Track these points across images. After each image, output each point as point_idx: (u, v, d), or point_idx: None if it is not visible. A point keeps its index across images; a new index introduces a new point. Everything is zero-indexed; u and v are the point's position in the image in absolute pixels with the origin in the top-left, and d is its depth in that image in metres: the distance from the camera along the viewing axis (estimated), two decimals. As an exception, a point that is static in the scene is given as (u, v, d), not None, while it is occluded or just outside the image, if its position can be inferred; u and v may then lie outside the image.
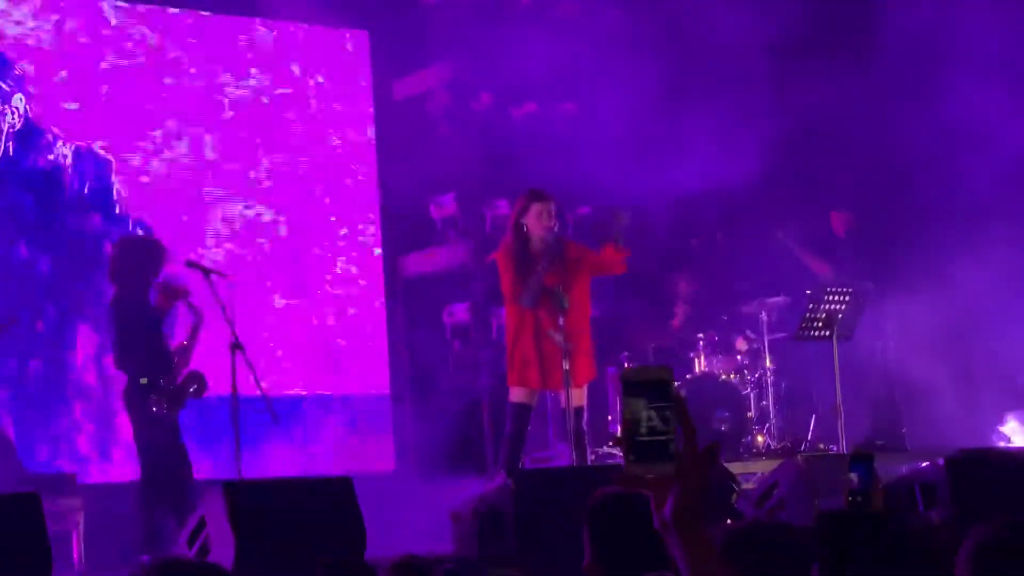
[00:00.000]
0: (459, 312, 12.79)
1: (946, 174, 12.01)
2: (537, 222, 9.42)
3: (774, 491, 8.49)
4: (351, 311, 12.57)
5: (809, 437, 12.01)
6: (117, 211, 11.52)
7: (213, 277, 9.37)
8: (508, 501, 7.26)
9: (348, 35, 12.85)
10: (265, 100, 12.40)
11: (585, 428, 9.50)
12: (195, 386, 9.22)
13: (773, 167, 11.63)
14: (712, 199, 12.22)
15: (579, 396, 9.39)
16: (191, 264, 9.73)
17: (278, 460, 11.58)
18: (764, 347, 12.09)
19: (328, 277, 12.50)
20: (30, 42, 11.35)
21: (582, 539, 3.98)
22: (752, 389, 12.06)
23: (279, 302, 12.23)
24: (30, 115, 11.22)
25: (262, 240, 12.25)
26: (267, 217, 12.29)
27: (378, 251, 12.83)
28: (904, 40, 11.90)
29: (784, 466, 8.83)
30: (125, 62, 11.76)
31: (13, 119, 11.10)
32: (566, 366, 9.15)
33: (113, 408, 10.87)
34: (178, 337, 9.42)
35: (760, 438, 11.90)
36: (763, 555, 3.75)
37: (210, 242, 11.93)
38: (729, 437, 11.50)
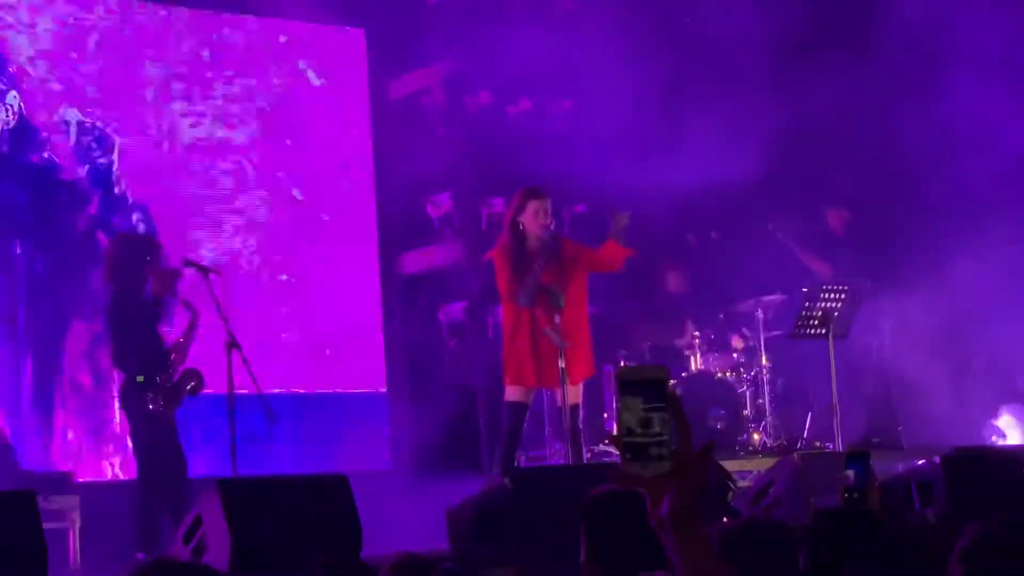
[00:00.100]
0: (455, 310, 12.79)
1: (945, 173, 12.02)
2: (533, 220, 9.41)
3: (770, 489, 8.49)
4: (347, 309, 12.56)
5: (805, 435, 12.02)
6: (113, 208, 11.51)
7: (210, 275, 9.37)
8: (504, 499, 7.26)
9: (345, 33, 12.84)
10: (261, 97, 12.38)
11: (581, 426, 9.50)
12: (191, 384, 9.21)
13: (771, 165, 11.63)
14: (709, 197, 12.22)
15: (575, 394, 9.39)
16: (188, 263, 9.72)
17: (274, 458, 11.58)
18: (760, 345, 12.10)
19: (324, 275, 12.49)
20: (24, 40, 11.33)
21: (578, 537, 3.99)
22: (748, 387, 12.07)
23: (275, 300, 12.22)
24: (24, 112, 11.20)
25: (258, 238, 12.23)
26: (263, 215, 12.28)
27: (374, 249, 12.81)
28: (903, 38, 11.91)
29: (780, 464, 8.83)
30: (120, 59, 11.74)
31: (8, 117, 11.09)
32: (562, 364, 9.14)
33: (109, 406, 10.86)
34: (174, 335, 9.41)
35: (756, 436, 11.91)
36: (759, 553, 3.75)
37: (206, 240, 11.91)
38: (725, 435, 11.51)
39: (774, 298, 12.22)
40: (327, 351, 12.42)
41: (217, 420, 9.83)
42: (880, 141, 12.50)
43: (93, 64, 11.61)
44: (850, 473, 4.73)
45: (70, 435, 11.08)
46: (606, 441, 11.36)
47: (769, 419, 11.97)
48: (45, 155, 11.25)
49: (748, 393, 12.05)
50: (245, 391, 9.22)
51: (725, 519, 7.37)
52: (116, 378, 9.34)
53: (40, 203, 11.15)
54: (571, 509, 4.33)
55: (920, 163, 12.21)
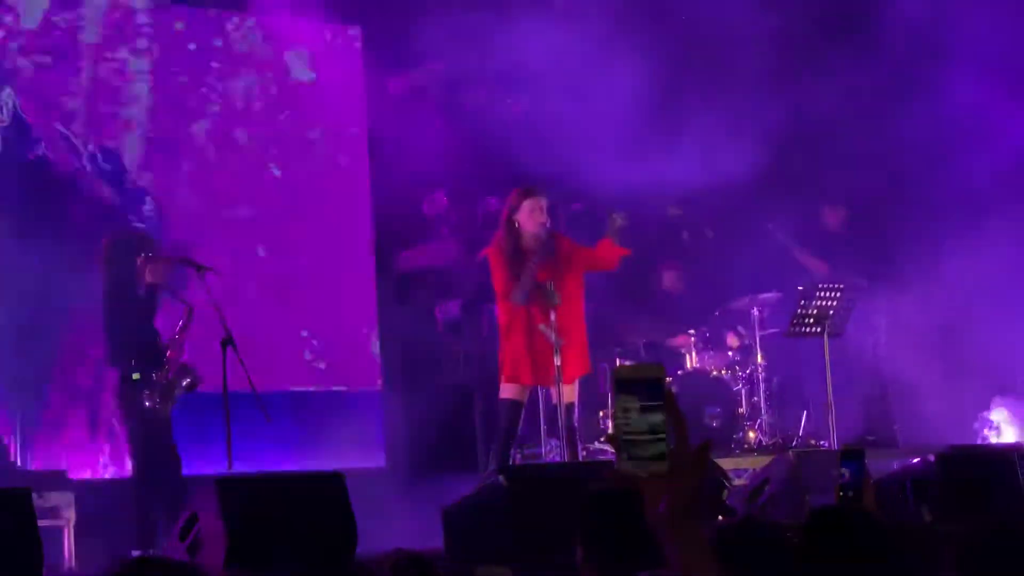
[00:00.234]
0: (451, 308, 12.78)
1: (942, 171, 12.04)
2: (529, 218, 9.41)
3: (765, 487, 8.50)
4: (343, 307, 12.55)
5: (800, 433, 12.03)
6: (108, 205, 11.49)
7: (205, 273, 9.36)
8: (500, 497, 7.26)
9: (341, 30, 12.83)
10: (256, 94, 12.37)
11: (576, 424, 9.51)
12: (187, 381, 9.21)
13: (768, 163, 11.62)
14: (705, 195, 12.22)
15: (570, 392, 9.39)
16: (183, 260, 9.72)
17: (269, 456, 11.57)
18: (755, 343, 12.10)
19: (320, 273, 12.48)
20: (17, 41, 11.32)
21: (574, 536, 3.99)
22: (743, 385, 12.07)
23: (270, 297, 12.21)
24: (19, 109, 11.19)
25: (254, 234, 12.22)
26: (258, 212, 12.26)
27: (370, 247, 12.80)
28: (902, 36, 11.92)
29: (775, 462, 8.84)
30: (112, 56, 11.72)
31: (2, 115, 11.08)
32: (557, 362, 9.15)
33: (105, 403, 10.85)
34: (170, 332, 9.40)
35: (751, 434, 11.91)
36: (754, 552, 3.76)
37: (204, 238, 11.90)
38: (720, 433, 11.51)
39: (770, 296, 12.23)
40: (323, 349, 12.41)
41: (212, 417, 9.82)
42: (878, 140, 12.50)
43: (90, 59, 11.59)
44: (845, 471, 4.73)
45: (65, 432, 11.06)
46: (601, 440, 11.37)
47: (764, 417, 11.98)
48: (40, 152, 11.24)
49: (743, 391, 12.06)
50: (240, 388, 9.22)
51: (720, 517, 7.38)
52: (111, 375, 9.32)
53: (35, 198, 11.13)
54: (567, 507, 4.33)
55: (917, 162, 12.23)
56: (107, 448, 11.04)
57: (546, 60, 11.54)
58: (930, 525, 7.90)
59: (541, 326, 9.23)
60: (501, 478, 7.40)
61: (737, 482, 8.98)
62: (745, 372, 12.12)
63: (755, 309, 12.16)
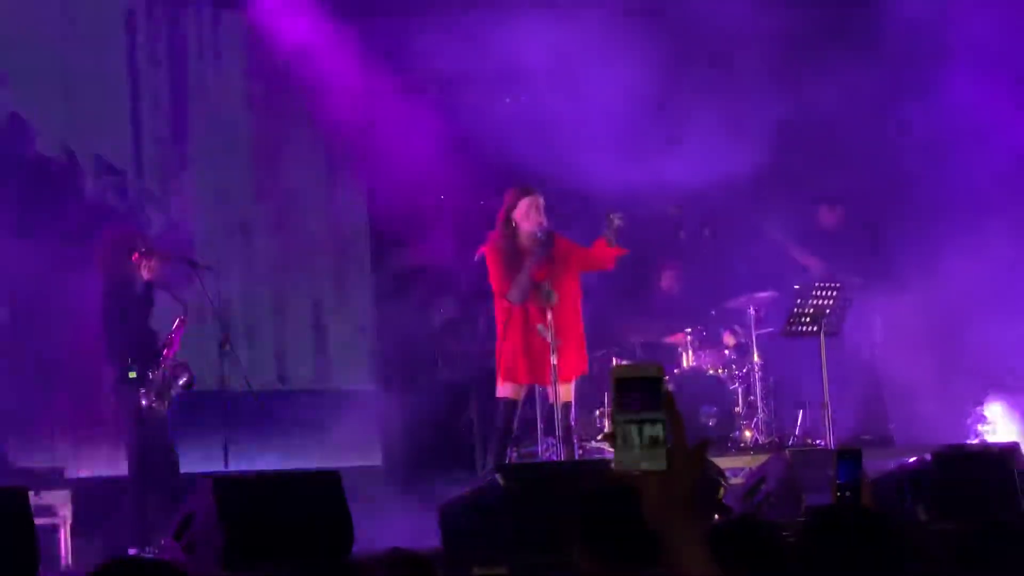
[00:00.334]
0: (448, 307, 12.79)
1: (938, 171, 12.04)
2: (526, 217, 9.42)
3: (761, 486, 8.51)
4: (339, 305, 12.55)
5: (796, 432, 12.04)
6: (103, 205, 11.49)
7: (202, 270, 9.36)
8: (496, 496, 7.26)
9: (340, 27, 12.81)
10: (252, 91, 12.36)
11: (573, 423, 9.51)
12: (183, 379, 9.20)
13: (766, 162, 11.62)
14: (702, 194, 12.23)
15: (567, 391, 9.40)
16: (180, 258, 9.71)
17: (266, 454, 11.57)
18: (752, 342, 12.11)
19: (316, 271, 12.47)
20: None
21: (572, 534, 3.99)
22: (740, 384, 12.08)
23: (266, 296, 12.21)
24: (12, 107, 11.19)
25: (250, 233, 12.22)
26: (255, 210, 12.26)
27: (367, 245, 12.80)
28: (901, 36, 11.91)
29: (771, 461, 8.85)
30: (101, 52, 11.71)
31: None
32: (554, 361, 9.15)
33: (101, 401, 10.84)
34: (166, 330, 9.40)
35: (747, 433, 11.92)
36: (751, 550, 3.76)
37: (200, 236, 11.89)
38: (716, 432, 11.52)
39: (766, 295, 12.23)
40: (319, 347, 12.41)
41: (209, 415, 9.82)
42: (876, 139, 12.51)
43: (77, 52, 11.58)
44: (841, 471, 4.74)
45: (62, 430, 11.05)
46: (598, 438, 11.37)
47: (760, 416, 11.98)
48: (36, 150, 11.23)
49: (740, 390, 12.06)
50: (237, 387, 9.22)
51: (716, 516, 7.39)
52: (108, 373, 9.32)
53: (34, 196, 11.12)
54: (564, 506, 4.33)
55: (915, 161, 12.23)
56: (104, 446, 11.03)
57: (544, 58, 11.53)
58: (926, 524, 7.92)
59: (539, 326, 9.24)
60: (498, 477, 7.40)
61: (733, 481, 8.99)
62: (741, 371, 12.12)
63: (752, 308, 12.16)
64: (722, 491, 8.10)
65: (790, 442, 11.82)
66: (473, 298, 12.21)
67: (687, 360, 12.14)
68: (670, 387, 2.23)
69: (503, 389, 9.47)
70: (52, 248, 11.00)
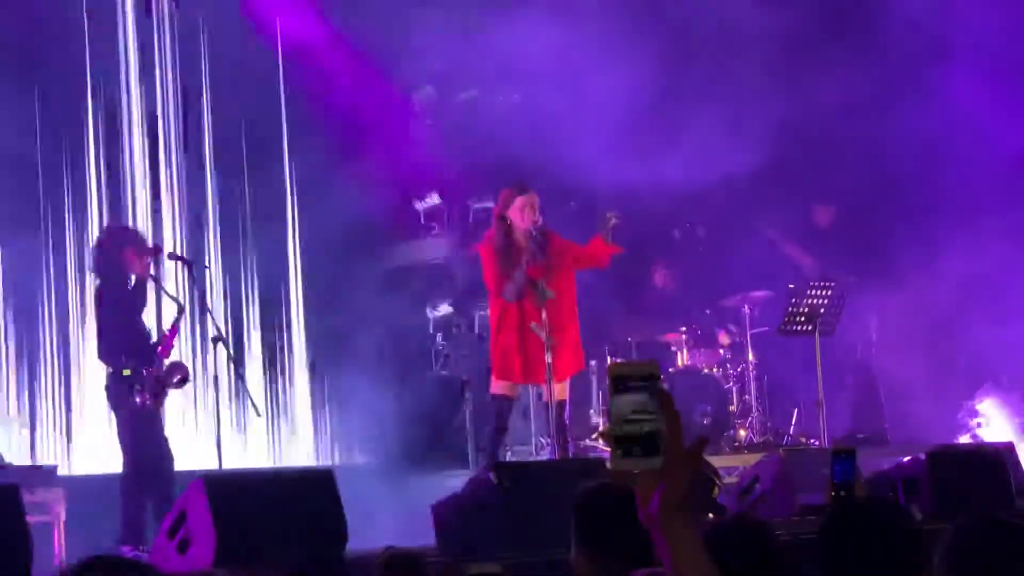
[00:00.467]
0: (442, 305, 12.78)
1: (936, 170, 12.05)
2: (521, 215, 9.40)
3: (756, 485, 8.50)
4: (336, 303, 12.52)
5: (791, 431, 12.05)
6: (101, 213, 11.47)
7: (195, 269, 9.35)
8: (490, 494, 7.25)
9: (334, 24, 12.79)
10: (247, 87, 12.34)
11: (567, 421, 9.50)
12: (178, 377, 9.18)
13: (762, 161, 11.62)
14: (699, 193, 12.23)
15: (561, 390, 9.39)
16: (171, 255, 9.69)
17: (259, 452, 11.57)
18: (747, 341, 12.11)
19: (311, 268, 12.46)
20: None
21: (566, 532, 3.98)
22: (734, 383, 12.08)
23: (262, 292, 12.20)
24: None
25: (246, 229, 12.20)
26: (250, 207, 12.24)
27: (363, 243, 12.78)
28: (900, 35, 11.92)
29: (766, 460, 8.84)
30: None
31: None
32: (548, 359, 9.14)
33: (95, 399, 10.83)
34: (160, 328, 9.38)
35: (742, 432, 11.92)
36: (745, 549, 3.75)
37: (197, 233, 11.88)
38: (711, 431, 11.51)
39: (761, 294, 12.24)
40: (315, 344, 12.40)
41: (203, 413, 9.82)
42: (872, 139, 12.51)
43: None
44: (836, 470, 4.74)
45: (56, 428, 11.04)
46: (592, 437, 11.37)
47: (755, 415, 11.99)
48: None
49: (734, 389, 12.06)
50: (230, 385, 9.21)
51: (711, 515, 7.38)
52: (103, 371, 9.30)
53: (22, 194, 11.09)
54: (557, 504, 4.32)
55: (912, 161, 12.23)
56: (98, 444, 11.02)
57: (541, 56, 11.52)
58: (921, 524, 7.90)
59: (532, 325, 9.22)
60: (492, 475, 7.38)
61: (727, 480, 8.98)
62: (736, 370, 12.13)
63: (746, 307, 12.17)
64: (716, 490, 8.09)
65: (784, 441, 11.83)
66: (468, 295, 12.21)
67: (682, 359, 12.14)
68: (664, 386, 2.22)
69: (497, 386, 9.46)
70: (44, 245, 11.00)
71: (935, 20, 11.64)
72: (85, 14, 11.44)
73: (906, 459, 8.64)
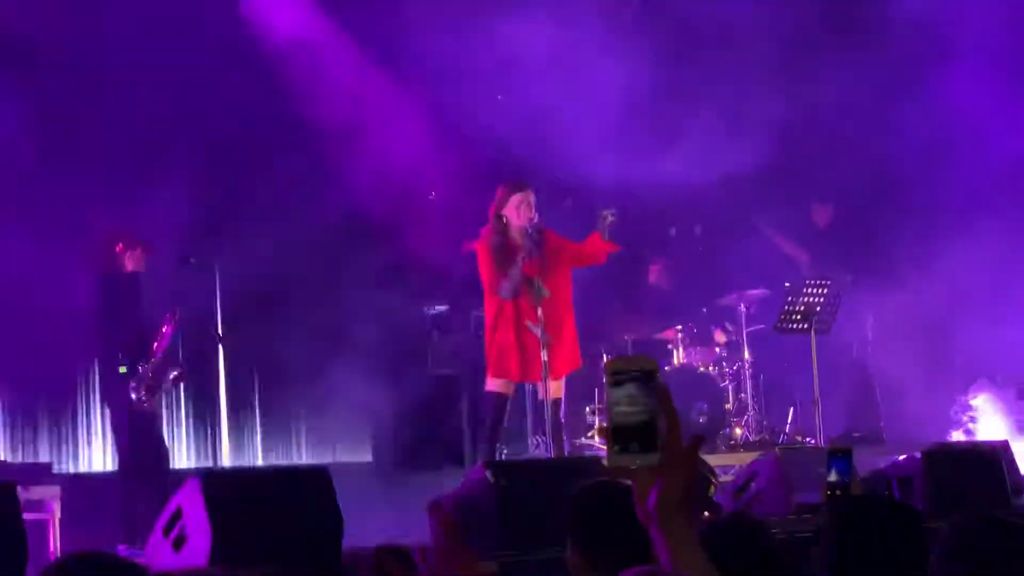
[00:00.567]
0: (439, 302, 12.77)
1: (935, 168, 12.06)
2: (517, 212, 9.41)
3: (751, 484, 8.50)
4: (332, 299, 12.52)
5: (787, 430, 12.05)
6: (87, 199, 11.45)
7: (191, 266, 9.35)
8: (486, 492, 7.25)
9: (329, 21, 12.79)
10: (242, 83, 12.32)
11: (563, 420, 9.50)
12: (174, 375, 9.18)
13: (761, 159, 11.62)
14: (696, 191, 12.24)
15: (557, 388, 9.39)
16: (169, 252, 9.69)
17: (255, 450, 11.57)
18: (743, 339, 12.12)
19: (307, 265, 12.45)
20: None
21: (561, 530, 3.98)
22: (730, 381, 12.09)
23: (258, 289, 12.18)
24: None
25: (240, 226, 12.19)
26: (245, 204, 12.23)
27: (359, 240, 12.78)
28: (901, 34, 11.92)
29: (762, 459, 8.84)
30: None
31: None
32: (544, 357, 9.14)
33: (92, 396, 10.83)
34: (158, 326, 9.38)
35: (738, 430, 11.93)
36: (741, 547, 3.75)
37: (187, 230, 11.86)
38: (707, 429, 11.52)
39: (757, 292, 12.25)
40: (311, 342, 12.39)
41: (199, 411, 9.81)
42: (872, 137, 12.52)
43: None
44: (833, 469, 4.75)
45: (52, 425, 11.03)
46: (588, 435, 11.38)
47: (751, 413, 11.99)
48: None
49: (730, 387, 12.07)
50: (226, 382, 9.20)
51: (706, 513, 7.39)
52: (99, 369, 9.30)
53: (19, 192, 11.09)
54: (553, 502, 4.32)
55: (910, 160, 12.24)
56: (94, 441, 11.02)
57: (539, 52, 11.52)
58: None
59: (528, 323, 9.22)
60: (488, 473, 7.38)
61: (723, 478, 8.98)
62: (732, 368, 12.13)
63: (742, 305, 12.18)
64: (712, 488, 8.10)
65: (780, 439, 11.84)
66: (464, 293, 12.20)
67: (678, 357, 12.14)
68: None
69: (493, 384, 9.46)
70: (38, 242, 10.98)
71: (935, 20, 11.64)
72: (83, 8, 11.44)
73: (901, 457, 8.64)
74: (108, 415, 9.31)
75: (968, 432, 11.89)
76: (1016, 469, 8.76)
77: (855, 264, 11.82)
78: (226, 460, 9.91)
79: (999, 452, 8.73)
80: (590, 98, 11.59)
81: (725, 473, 9.55)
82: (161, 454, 9.13)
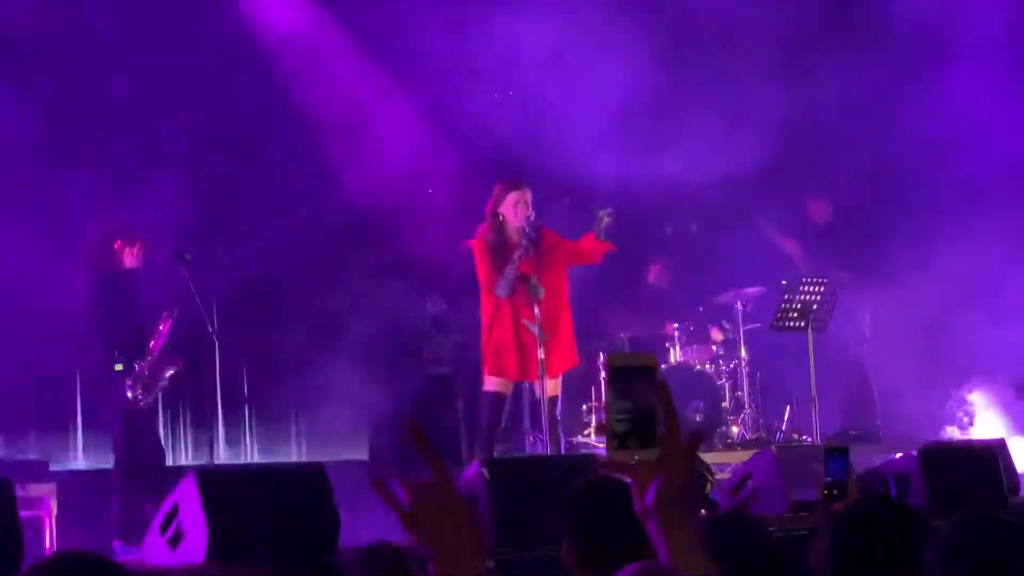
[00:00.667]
0: (435, 300, 12.76)
1: (934, 167, 12.06)
2: (513, 211, 9.40)
3: (747, 482, 8.50)
4: (328, 297, 12.52)
5: (783, 428, 12.05)
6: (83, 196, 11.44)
7: (187, 263, 9.34)
8: (482, 490, 7.25)
9: (327, 18, 12.77)
10: (239, 81, 12.32)
11: (559, 418, 9.50)
12: (170, 371, 9.17)
13: (762, 157, 11.62)
14: (693, 189, 12.23)
15: (554, 386, 9.39)
16: (165, 250, 9.67)
17: (251, 447, 11.56)
18: (739, 337, 12.12)
19: (304, 263, 12.44)
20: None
21: (557, 527, 3.97)
22: (727, 379, 12.09)
23: (254, 286, 12.18)
24: None
25: (237, 224, 12.18)
26: (242, 201, 12.22)
27: (355, 238, 12.77)
28: (902, 32, 11.92)
29: (758, 457, 8.84)
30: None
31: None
32: (541, 355, 9.14)
33: (88, 394, 10.82)
34: (154, 323, 9.37)
35: (735, 428, 11.93)
36: (738, 545, 3.75)
37: (192, 230, 11.85)
38: (704, 427, 11.52)
39: (754, 291, 12.25)
40: (307, 339, 12.38)
41: (195, 409, 9.81)
42: (872, 136, 12.52)
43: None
44: (829, 467, 4.74)
45: (48, 423, 11.02)
46: (585, 433, 11.38)
47: (748, 411, 11.99)
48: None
49: (727, 385, 12.07)
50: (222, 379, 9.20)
51: (703, 511, 7.39)
52: (95, 366, 9.29)
53: (14, 189, 11.08)
54: (550, 500, 4.32)
55: (910, 159, 12.25)
56: (90, 438, 11.01)
57: (538, 50, 11.51)
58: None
59: (525, 321, 9.22)
60: (484, 471, 7.38)
61: (720, 476, 8.98)
62: (729, 366, 12.13)
63: (739, 303, 12.18)
64: (708, 486, 8.10)
65: (777, 437, 11.84)
66: (460, 291, 12.19)
67: (674, 355, 12.14)
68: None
69: (490, 383, 9.46)
70: (32, 240, 10.97)
71: (936, 19, 11.64)
72: (80, 8, 11.43)
73: (898, 456, 8.65)
74: (105, 412, 9.29)
75: (965, 430, 11.90)
76: (1013, 467, 8.77)
77: (852, 262, 11.82)
78: (222, 458, 9.91)
79: (996, 450, 8.74)
80: (588, 97, 11.59)
81: (721, 471, 9.55)
82: (157, 452, 9.11)
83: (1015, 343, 11.79)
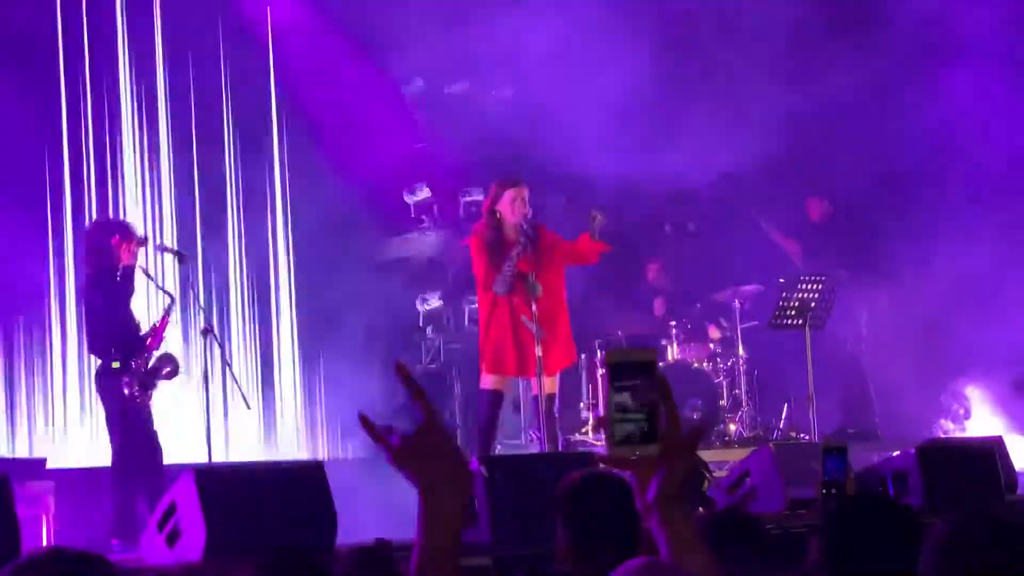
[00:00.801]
0: (432, 299, 12.77)
1: (934, 166, 12.06)
2: (511, 209, 9.40)
3: (745, 479, 8.50)
4: (325, 295, 12.52)
5: (781, 426, 12.05)
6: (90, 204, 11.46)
7: (185, 261, 9.34)
8: (480, 488, 7.25)
9: (326, 15, 12.77)
10: (237, 79, 12.32)
11: (556, 415, 9.51)
12: (167, 369, 9.16)
13: (762, 155, 11.61)
14: (694, 187, 12.24)
15: (551, 384, 9.39)
16: (160, 246, 9.68)
17: (249, 445, 11.55)
18: (737, 335, 12.12)
19: (302, 261, 12.45)
20: None
21: (554, 524, 3.97)
22: (725, 377, 12.09)
23: (252, 284, 12.19)
24: None
25: (235, 222, 12.19)
26: (240, 199, 12.23)
27: (353, 237, 12.78)
28: (903, 30, 11.92)
29: (756, 454, 8.84)
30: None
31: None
32: (539, 353, 9.14)
33: (85, 391, 10.81)
34: (150, 320, 9.37)
35: (732, 426, 11.93)
36: (736, 543, 3.75)
37: (181, 225, 11.86)
38: (701, 425, 11.52)
39: (751, 288, 12.25)
40: (305, 338, 12.39)
41: (192, 406, 9.80)
42: (873, 134, 12.52)
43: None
44: (827, 466, 4.74)
45: (45, 420, 11.02)
46: (582, 431, 11.38)
47: (745, 409, 12.00)
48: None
49: (725, 383, 12.07)
50: (220, 377, 9.19)
51: (700, 509, 7.39)
52: (92, 363, 9.28)
53: (10, 186, 11.07)
54: (546, 497, 4.32)
55: (911, 157, 12.25)
56: (88, 436, 11.01)
57: (537, 47, 11.51)
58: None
59: (523, 318, 9.22)
60: (482, 469, 7.38)
61: (717, 474, 8.98)
62: (726, 364, 12.13)
63: (737, 301, 12.18)
64: (706, 484, 8.10)
65: (775, 435, 11.84)
66: (458, 289, 12.20)
67: (672, 353, 12.14)
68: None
69: (487, 381, 9.45)
70: (32, 235, 10.97)
71: (938, 17, 11.64)
72: (77, 6, 11.43)
73: (896, 453, 8.64)
74: (101, 410, 9.29)
75: (962, 428, 11.90)
76: (1010, 465, 8.76)
77: (851, 260, 11.82)
78: (219, 455, 9.89)
79: (993, 448, 8.73)
80: (587, 94, 11.58)
81: (719, 469, 9.55)
82: (155, 449, 9.10)
83: (1013, 342, 11.79)
